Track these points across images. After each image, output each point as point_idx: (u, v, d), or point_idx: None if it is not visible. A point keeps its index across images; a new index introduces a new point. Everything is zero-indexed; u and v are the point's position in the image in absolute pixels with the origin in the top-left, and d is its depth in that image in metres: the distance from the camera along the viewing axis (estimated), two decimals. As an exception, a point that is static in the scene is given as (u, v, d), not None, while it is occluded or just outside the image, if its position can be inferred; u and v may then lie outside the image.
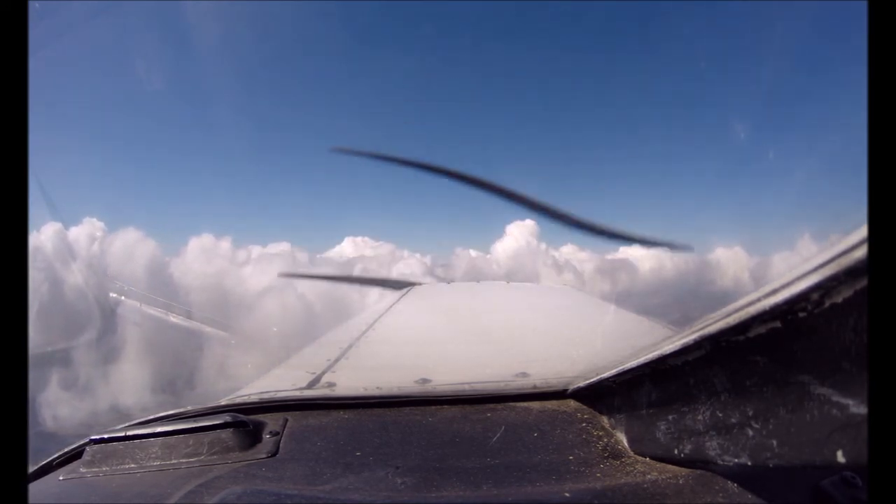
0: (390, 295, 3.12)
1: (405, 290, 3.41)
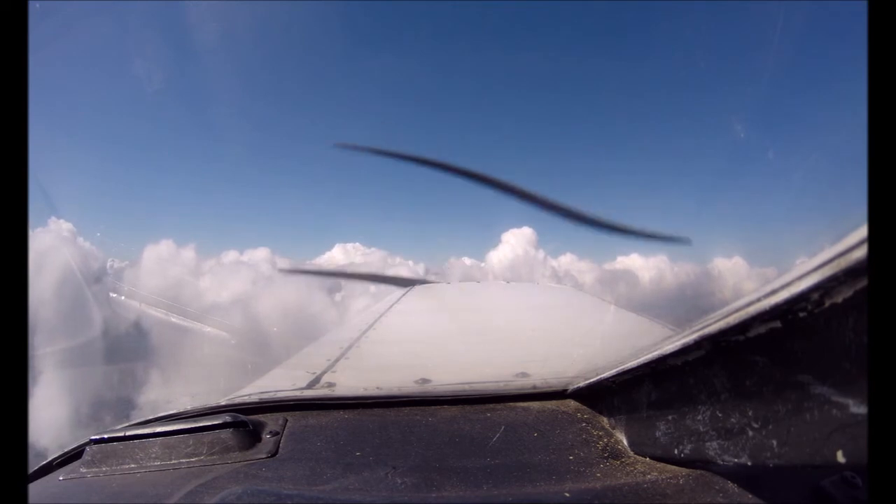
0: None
1: (406, 290, 3.42)
